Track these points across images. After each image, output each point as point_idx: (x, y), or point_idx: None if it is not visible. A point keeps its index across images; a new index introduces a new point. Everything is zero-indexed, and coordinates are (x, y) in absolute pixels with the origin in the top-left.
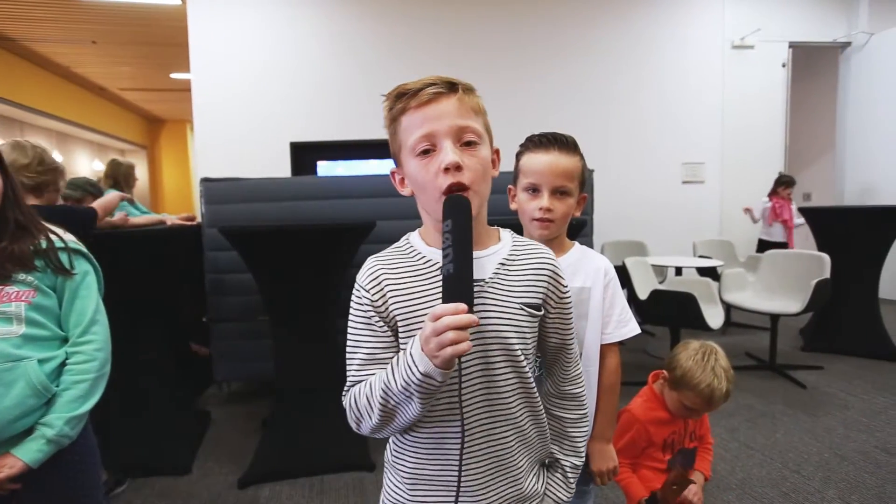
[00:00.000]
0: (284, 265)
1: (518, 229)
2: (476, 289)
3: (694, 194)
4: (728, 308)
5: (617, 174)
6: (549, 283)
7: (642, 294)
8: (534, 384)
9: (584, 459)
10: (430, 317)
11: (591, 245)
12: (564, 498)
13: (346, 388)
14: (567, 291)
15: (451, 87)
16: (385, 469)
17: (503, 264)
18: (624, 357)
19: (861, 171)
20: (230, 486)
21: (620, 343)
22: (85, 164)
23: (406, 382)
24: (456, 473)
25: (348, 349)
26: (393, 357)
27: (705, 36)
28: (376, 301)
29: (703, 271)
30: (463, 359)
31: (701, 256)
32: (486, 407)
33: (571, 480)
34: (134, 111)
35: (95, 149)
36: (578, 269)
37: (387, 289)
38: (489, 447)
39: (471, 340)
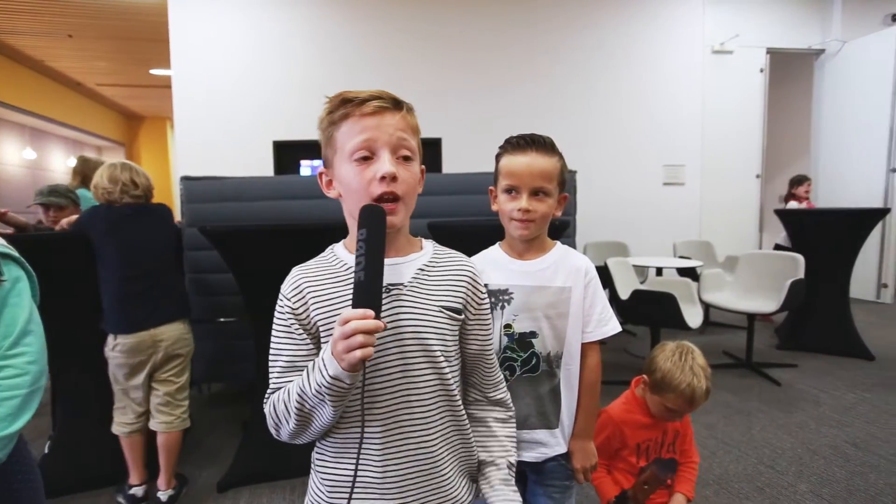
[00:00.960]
0: (266, 265)
1: (500, 230)
2: (395, 292)
3: (674, 196)
4: (707, 308)
5: (599, 176)
6: (468, 288)
7: (624, 294)
8: (455, 388)
9: (516, 458)
10: (339, 321)
11: (573, 245)
12: (515, 497)
13: (266, 396)
14: (485, 298)
15: (397, 104)
16: (311, 472)
17: (422, 269)
18: (605, 356)
19: (834, 174)
20: (209, 490)
21: (602, 342)
22: (60, 161)
23: (318, 385)
24: (353, 472)
25: (270, 357)
26: (312, 365)
27: (686, 40)
28: (297, 309)
29: (682, 271)
30: (382, 360)
31: (681, 257)
32: (405, 407)
33: (511, 480)
34: (111, 107)
35: (71, 145)
36: (559, 269)
37: (308, 296)
38: (408, 448)
39: (390, 342)
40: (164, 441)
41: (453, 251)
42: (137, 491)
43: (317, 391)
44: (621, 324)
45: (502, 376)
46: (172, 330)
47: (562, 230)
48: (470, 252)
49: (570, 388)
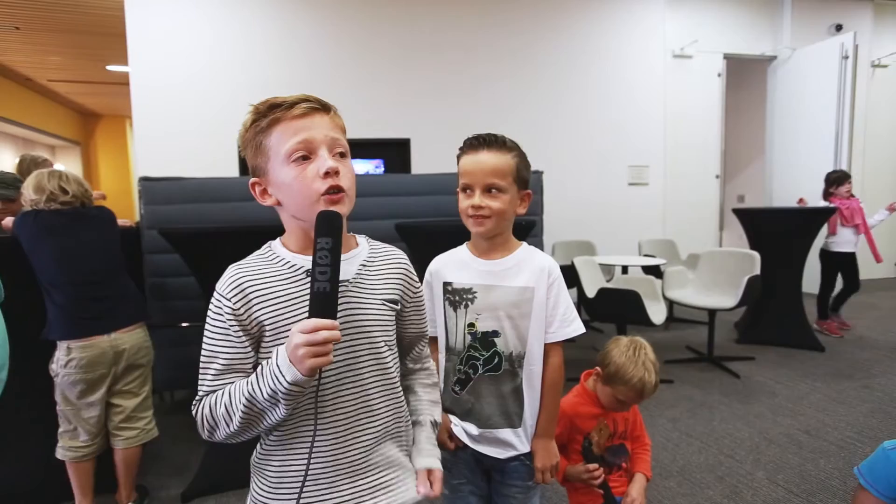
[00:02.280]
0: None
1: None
2: (341, 290)
3: (639, 196)
4: (670, 304)
5: (566, 176)
6: (404, 280)
7: (590, 292)
8: (395, 376)
9: (439, 417)
10: (303, 328)
11: (541, 245)
12: (436, 453)
13: (198, 398)
14: (419, 287)
15: (324, 106)
16: (251, 473)
17: (364, 266)
18: (572, 353)
19: (787, 174)
20: (173, 501)
21: (569, 340)
22: (8, 162)
23: (273, 391)
24: (305, 465)
25: (203, 358)
26: (250, 366)
27: (648, 45)
28: (238, 309)
29: (647, 269)
30: (333, 354)
31: (645, 255)
32: (351, 400)
33: (434, 437)
34: (65, 104)
35: (21, 144)
36: (522, 269)
37: (251, 296)
38: (354, 439)
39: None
40: (123, 456)
41: (387, 245)
42: None
43: (270, 395)
44: (588, 321)
45: (429, 352)
46: (133, 337)
47: (528, 230)
48: (438, 252)
49: (532, 388)
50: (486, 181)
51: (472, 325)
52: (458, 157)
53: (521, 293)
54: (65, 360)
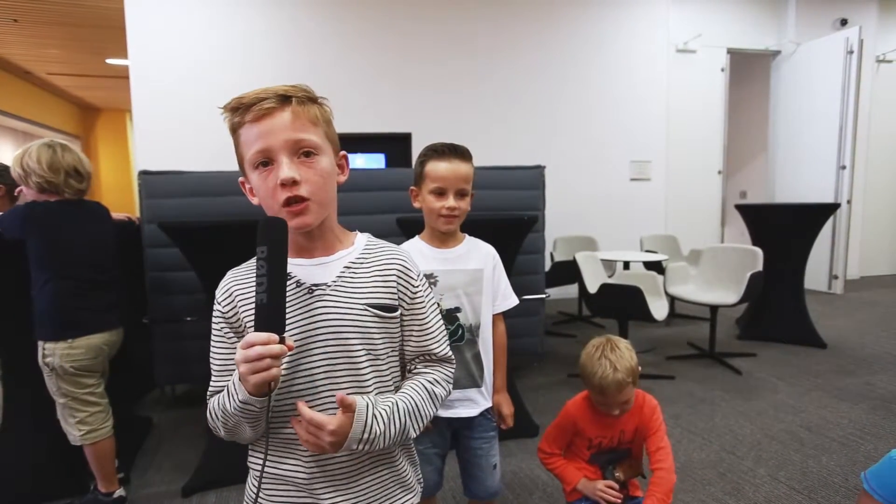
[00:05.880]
0: (229, 262)
1: (478, 223)
2: (318, 293)
3: (641, 191)
4: (672, 300)
5: (568, 172)
6: (399, 282)
7: (592, 287)
8: (371, 385)
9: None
10: (243, 344)
11: (543, 240)
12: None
13: (207, 396)
14: (419, 291)
15: (284, 100)
16: (248, 475)
17: (348, 267)
18: (573, 350)
19: (789, 170)
20: (173, 495)
21: (573, 336)
22: (8, 155)
23: (234, 408)
24: (297, 472)
25: (210, 360)
26: None
27: (651, 39)
28: (227, 314)
29: (649, 265)
30: (306, 362)
31: (647, 251)
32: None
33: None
34: (65, 98)
35: (20, 137)
36: (472, 255)
37: (238, 300)
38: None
39: (314, 344)
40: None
41: (387, 244)
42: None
43: (233, 412)
44: (590, 317)
45: (450, 374)
46: (119, 334)
47: (531, 226)
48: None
49: (486, 352)
50: (458, 186)
51: (437, 304)
52: (423, 162)
53: (474, 274)
54: (65, 346)
